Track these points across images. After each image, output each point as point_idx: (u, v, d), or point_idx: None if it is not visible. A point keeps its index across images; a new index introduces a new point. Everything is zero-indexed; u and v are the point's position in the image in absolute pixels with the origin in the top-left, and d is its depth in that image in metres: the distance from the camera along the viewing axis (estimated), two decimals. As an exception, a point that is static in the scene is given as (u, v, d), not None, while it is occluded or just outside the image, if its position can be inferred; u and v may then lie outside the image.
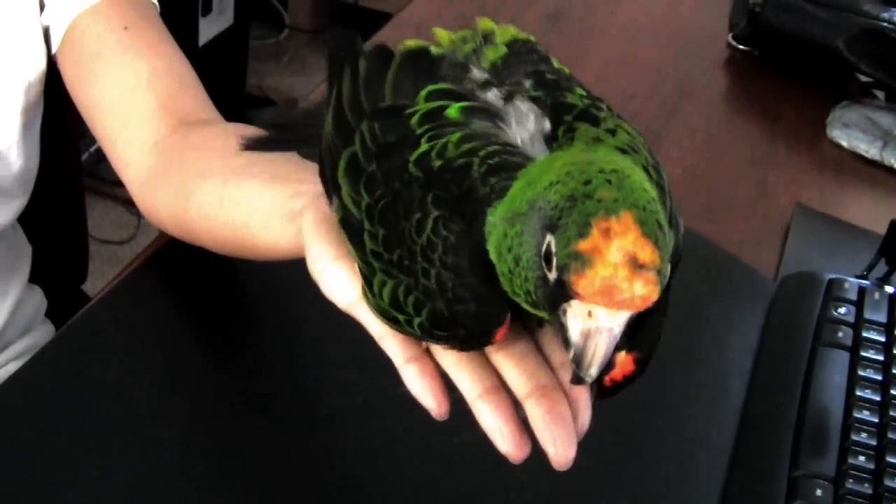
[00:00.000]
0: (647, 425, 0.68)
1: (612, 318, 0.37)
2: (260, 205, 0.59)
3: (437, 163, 0.43)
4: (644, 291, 0.36)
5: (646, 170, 0.43)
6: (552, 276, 0.38)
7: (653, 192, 0.39)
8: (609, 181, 0.38)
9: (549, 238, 0.37)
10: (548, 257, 0.38)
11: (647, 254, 0.36)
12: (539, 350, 0.46)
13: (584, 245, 0.36)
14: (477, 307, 0.42)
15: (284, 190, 0.58)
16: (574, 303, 0.37)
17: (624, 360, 0.44)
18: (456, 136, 0.44)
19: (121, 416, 0.62)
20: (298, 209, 0.54)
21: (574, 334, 0.38)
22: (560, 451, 0.42)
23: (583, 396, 0.45)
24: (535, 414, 0.43)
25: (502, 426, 0.43)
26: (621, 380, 0.44)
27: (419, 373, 0.45)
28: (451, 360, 0.45)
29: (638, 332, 0.42)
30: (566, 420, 0.43)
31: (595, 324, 0.37)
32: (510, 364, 0.45)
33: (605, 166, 0.39)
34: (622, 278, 0.36)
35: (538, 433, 0.43)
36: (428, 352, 0.46)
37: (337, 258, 0.49)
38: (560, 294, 0.38)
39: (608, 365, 0.40)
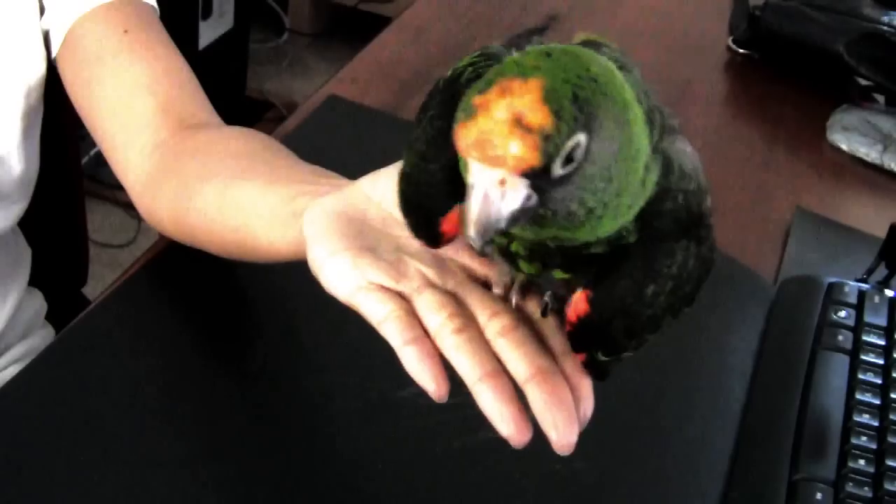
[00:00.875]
0: (647, 428, 0.68)
1: (484, 174, 0.36)
2: (261, 207, 0.59)
3: (447, 75, 0.46)
4: (519, 152, 0.35)
5: (649, 112, 0.42)
6: None
7: (610, 84, 0.37)
8: (548, 54, 0.37)
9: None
10: None
11: (537, 118, 0.35)
12: (540, 338, 0.47)
13: (478, 99, 0.36)
14: (418, 187, 0.45)
15: (286, 192, 0.58)
16: (467, 161, 0.37)
17: (578, 298, 0.44)
18: (467, 59, 0.46)
19: (121, 419, 0.62)
20: (300, 210, 0.54)
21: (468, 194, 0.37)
22: (562, 433, 0.42)
23: (584, 383, 0.45)
24: (536, 397, 0.43)
25: (503, 408, 0.43)
26: (576, 320, 0.44)
27: (418, 354, 0.45)
28: (451, 344, 0.45)
29: (602, 279, 0.43)
30: (567, 403, 0.43)
31: (471, 179, 0.37)
32: (511, 348, 0.45)
33: (582, 53, 0.38)
34: (498, 133, 0.35)
35: (539, 416, 0.43)
36: (429, 336, 0.46)
37: (337, 251, 0.49)
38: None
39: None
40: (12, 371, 0.77)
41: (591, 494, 0.61)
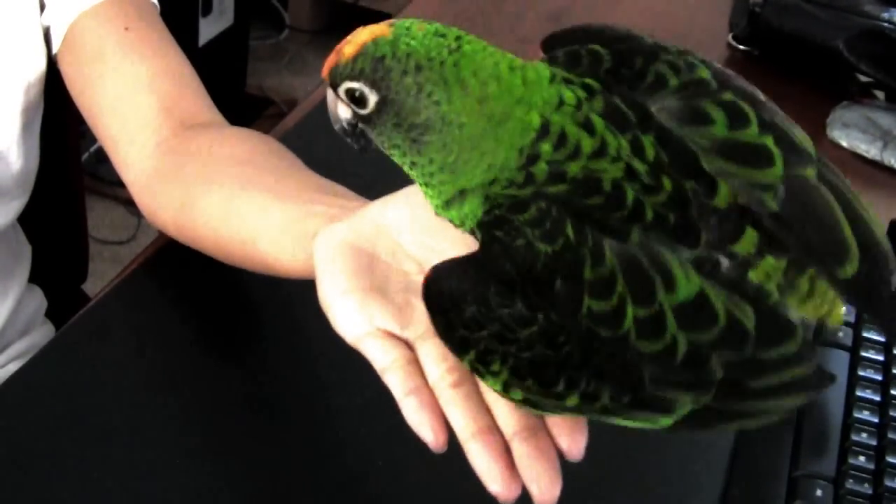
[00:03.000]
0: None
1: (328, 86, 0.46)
2: (270, 221, 0.59)
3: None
4: (326, 67, 0.45)
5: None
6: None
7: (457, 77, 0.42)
8: (443, 35, 0.44)
9: None
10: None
11: (346, 52, 0.44)
12: None
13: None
14: None
15: (297, 209, 0.58)
16: None
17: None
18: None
19: (121, 416, 0.62)
20: (311, 231, 0.54)
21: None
22: (543, 489, 0.44)
23: (577, 427, 0.46)
24: (520, 453, 0.45)
25: (492, 467, 0.44)
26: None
27: (417, 405, 0.45)
28: (447, 398, 0.46)
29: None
30: (550, 458, 0.45)
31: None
32: (501, 402, 0.46)
33: (479, 57, 0.43)
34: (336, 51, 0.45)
35: (522, 472, 0.44)
36: (428, 386, 0.46)
37: (347, 291, 0.49)
38: None
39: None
40: (12, 368, 0.77)
41: (591, 491, 0.61)
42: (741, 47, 1.17)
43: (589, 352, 0.41)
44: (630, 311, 0.40)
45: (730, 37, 1.19)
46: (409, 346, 0.48)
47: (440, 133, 0.42)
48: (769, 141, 0.45)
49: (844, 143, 1.03)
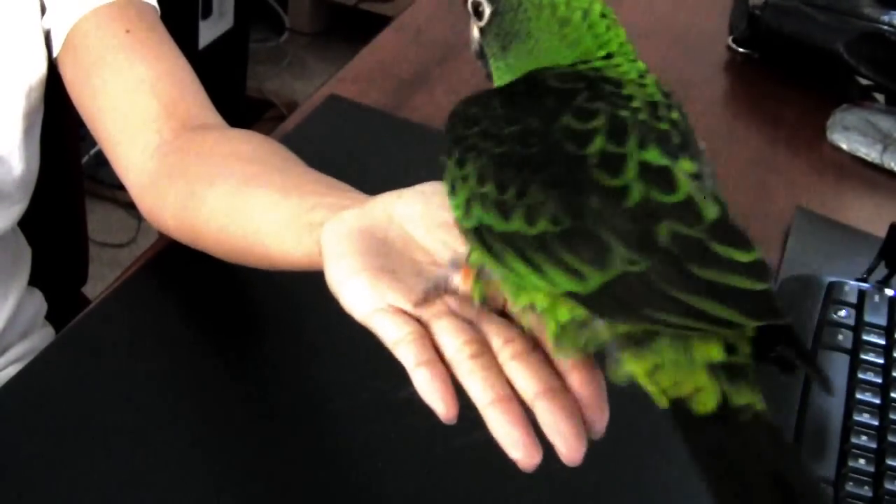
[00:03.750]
0: (647, 427, 0.68)
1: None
2: (274, 215, 0.59)
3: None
4: None
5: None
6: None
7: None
8: None
9: None
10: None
11: None
12: (547, 358, 0.47)
13: None
14: None
15: (302, 202, 0.58)
16: None
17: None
18: None
19: (121, 419, 0.62)
20: (317, 222, 0.54)
21: None
22: (570, 445, 0.43)
23: (596, 396, 0.46)
24: (545, 412, 0.44)
25: (512, 432, 0.43)
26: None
27: (430, 376, 0.45)
28: (466, 369, 0.45)
29: None
30: (575, 417, 0.44)
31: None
32: (521, 369, 0.46)
33: None
34: None
35: (547, 430, 0.44)
36: (441, 359, 0.46)
37: (357, 271, 0.49)
38: None
39: None
40: (12, 370, 0.77)
41: (591, 493, 0.61)
42: (741, 50, 1.18)
43: (549, 159, 0.43)
44: (599, 140, 0.43)
45: (730, 39, 1.19)
46: (421, 323, 0.48)
47: (524, 42, 0.48)
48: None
49: (844, 146, 1.03)
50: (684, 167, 0.43)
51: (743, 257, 0.41)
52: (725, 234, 0.42)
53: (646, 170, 0.42)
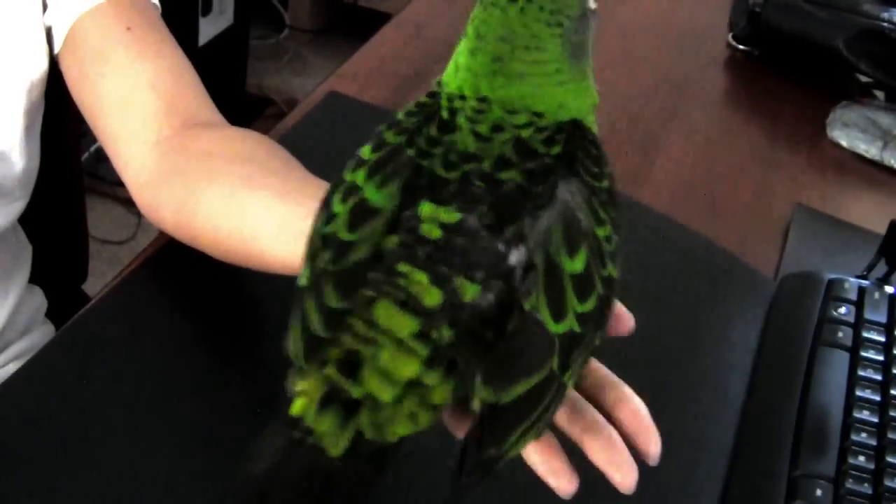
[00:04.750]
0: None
1: None
2: (271, 218, 0.59)
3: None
4: None
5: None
6: None
7: None
8: None
9: None
10: None
11: None
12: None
13: None
14: None
15: (298, 208, 0.58)
16: None
17: None
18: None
19: (121, 416, 0.62)
20: None
21: None
22: (626, 473, 0.45)
23: (648, 426, 0.47)
24: (595, 447, 0.45)
25: (552, 462, 0.45)
26: None
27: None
28: None
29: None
30: (623, 447, 0.46)
31: None
32: (564, 408, 0.46)
33: None
34: None
35: (601, 464, 0.45)
36: None
37: None
38: None
39: None
40: (12, 368, 0.77)
41: (590, 490, 0.61)
42: (741, 47, 1.18)
43: None
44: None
45: (730, 36, 1.19)
46: None
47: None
48: None
49: (844, 143, 1.03)
50: None
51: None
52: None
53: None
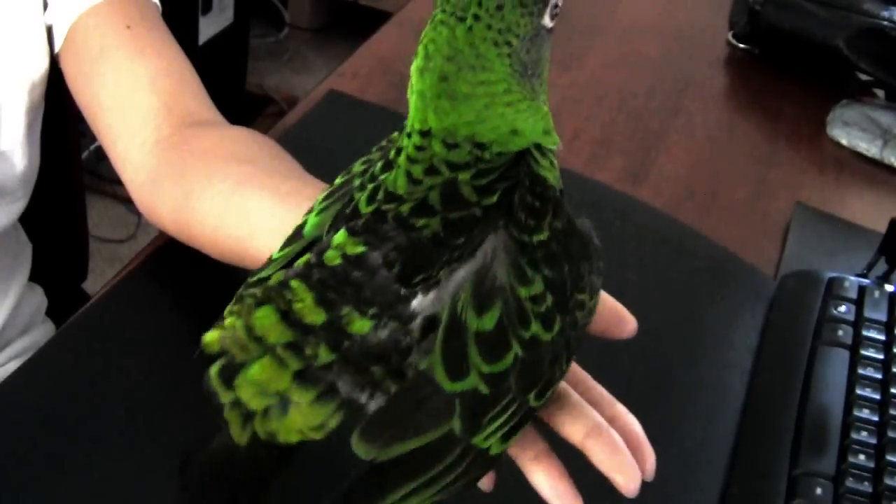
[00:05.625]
0: (647, 423, 0.68)
1: None
2: (268, 219, 0.59)
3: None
4: None
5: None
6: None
7: None
8: None
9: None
10: (555, 8, 0.44)
11: None
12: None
13: None
14: None
15: (297, 208, 0.58)
16: None
17: None
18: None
19: (121, 414, 0.62)
20: None
21: None
22: (628, 478, 0.45)
23: (642, 441, 0.48)
24: (597, 450, 0.46)
25: (556, 485, 0.46)
26: None
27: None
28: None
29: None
30: (626, 450, 0.46)
31: None
32: (564, 411, 0.47)
33: None
34: None
35: (603, 467, 0.45)
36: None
37: None
38: None
39: None
40: (12, 366, 0.77)
41: (590, 490, 0.61)
42: (741, 46, 1.18)
43: None
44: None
45: (730, 35, 1.19)
46: None
47: None
48: None
49: (844, 142, 1.03)
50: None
51: None
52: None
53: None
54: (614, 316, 0.50)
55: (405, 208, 0.42)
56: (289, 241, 0.47)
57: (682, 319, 0.77)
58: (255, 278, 0.45)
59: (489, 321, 0.40)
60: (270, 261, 0.46)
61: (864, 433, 0.67)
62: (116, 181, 0.73)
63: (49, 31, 0.76)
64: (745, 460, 0.66)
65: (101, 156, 0.75)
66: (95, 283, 1.04)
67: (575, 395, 0.48)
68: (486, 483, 0.46)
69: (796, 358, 0.73)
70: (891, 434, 0.67)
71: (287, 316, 0.41)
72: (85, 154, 1.88)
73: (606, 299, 0.50)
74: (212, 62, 2.19)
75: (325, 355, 0.41)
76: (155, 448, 0.61)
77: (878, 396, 0.69)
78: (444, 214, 0.41)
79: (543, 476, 0.46)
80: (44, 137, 0.83)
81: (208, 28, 2.25)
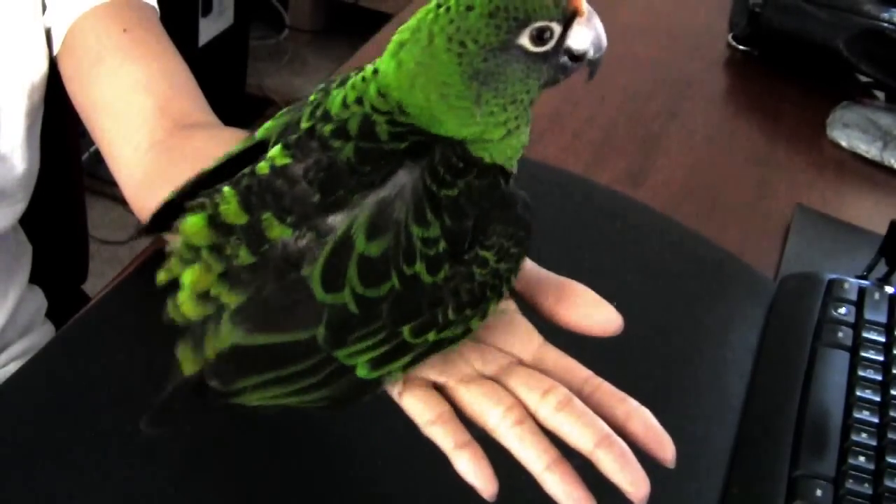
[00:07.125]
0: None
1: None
2: None
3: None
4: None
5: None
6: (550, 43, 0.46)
7: None
8: None
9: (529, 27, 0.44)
10: (541, 34, 0.45)
11: None
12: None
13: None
14: None
15: None
16: (576, 26, 0.48)
17: None
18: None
19: (121, 416, 0.62)
20: None
21: (586, 40, 0.50)
22: (639, 486, 0.46)
23: (660, 434, 0.48)
24: (607, 460, 0.46)
25: (571, 491, 0.46)
26: None
27: (471, 458, 0.47)
28: (515, 436, 0.47)
29: None
30: (635, 460, 0.46)
31: (590, 17, 0.49)
32: (571, 421, 0.47)
33: None
34: None
35: (613, 476, 0.46)
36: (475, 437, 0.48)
37: None
38: (559, 39, 0.47)
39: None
40: (13, 368, 0.77)
41: (591, 490, 0.61)
42: (741, 47, 1.18)
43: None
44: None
45: (730, 37, 1.19)
46: (442, 391, 0.49)
47: None
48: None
49: (844, 144, 1.03)
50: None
51: None
52: None
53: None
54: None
55: (328, 129, 0.45)
56: (243, 144, 0.49)
57: (682, 321, 0.77)
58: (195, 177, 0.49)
59: (375, 248, 0.43)
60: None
61: (864, 435, 0.67)
62: (116, 183, 0.73)
63: (48, 33, 0.76)
64: (745, 461, 0.66)
65: (100, 158, 0.75)
66: (95, 284, 1.04)
67: (580, 405, 0.47)
68: (488, 492, 0.46)
69: (796, 359, 0.73)
70: (891, 436, 0.66)
71: (213, 220, 0.45)
72: (85, 156, 1.88)
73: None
74: (212, 64, 2.20)
75: (245, 256, 0.44)
76: (154, 449, 0.61)
77: (878, 398, 0.69)
78: (357, 143, 0.44)
79: (559, 483, 0.46)
80: (44, 139, 0.83)
81: (208, 29, 2.25)
